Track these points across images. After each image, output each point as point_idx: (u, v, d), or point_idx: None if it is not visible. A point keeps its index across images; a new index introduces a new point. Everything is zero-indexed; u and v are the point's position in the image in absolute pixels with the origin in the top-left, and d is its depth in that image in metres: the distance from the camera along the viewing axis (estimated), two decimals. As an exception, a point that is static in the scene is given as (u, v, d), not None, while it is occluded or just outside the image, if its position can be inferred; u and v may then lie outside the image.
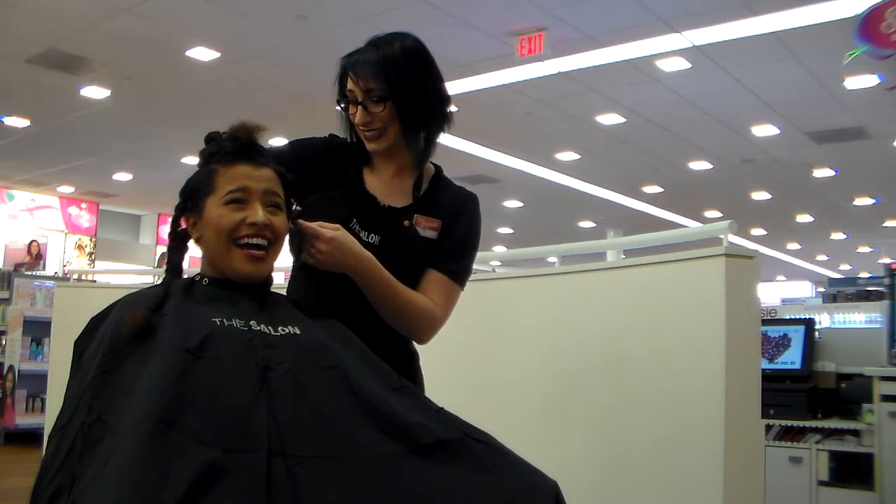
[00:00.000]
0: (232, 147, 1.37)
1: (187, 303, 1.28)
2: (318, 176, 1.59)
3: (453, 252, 1.58)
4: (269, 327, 1.27)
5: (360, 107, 1.52)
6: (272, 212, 1.36)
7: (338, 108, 1.59)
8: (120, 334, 1.20)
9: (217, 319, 1.23)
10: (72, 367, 1.26)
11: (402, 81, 1.50)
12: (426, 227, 1.56)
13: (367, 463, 1.14)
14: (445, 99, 1.59)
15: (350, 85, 1.53)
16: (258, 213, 1.33)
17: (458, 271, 1.58)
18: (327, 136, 1.66)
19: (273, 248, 1.36)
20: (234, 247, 1.33)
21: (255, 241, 1.33)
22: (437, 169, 1.65)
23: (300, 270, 1.60)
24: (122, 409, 1.11)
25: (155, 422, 1.06)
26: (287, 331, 1.28)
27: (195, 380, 1.13)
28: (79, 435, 1.11)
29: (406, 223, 1.55)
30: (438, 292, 1.54)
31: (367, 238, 1.54)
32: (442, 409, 1.29)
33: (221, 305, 1.28)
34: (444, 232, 1.57)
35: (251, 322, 1.26)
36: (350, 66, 1.53)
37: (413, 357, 1.62)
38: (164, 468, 1.02)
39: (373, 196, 1.59)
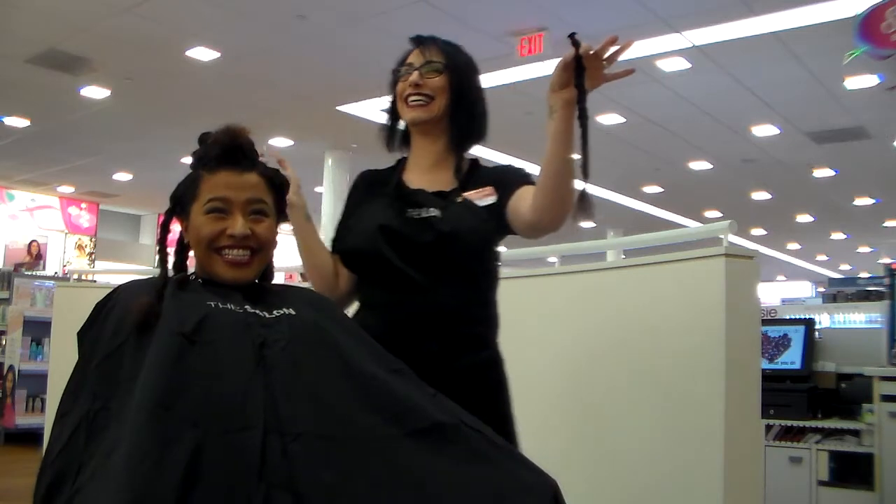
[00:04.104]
0: (215, 152, 1.35)
1: (182, 292, 1.29)
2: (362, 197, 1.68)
3: (516, 173, 1.62)
4: (264, 311, 1.27)
5: (416, 72, 1.60)
6: (256, 219, 1.34)
7: (391, 77, 1.67)
8: (123, 322, 1.21)
9: (212, 303, 1.24)
10: (78, 357, 1.26)
11: (461, 67, 1.63)
12: (483, 196, 1.58)
13: (362, 443, 1.14)
14: (487, 111, 1.67)
15: (411, 58, 1.63)
16: (237, 225, 1.31)
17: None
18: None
19: (258, 254, 1.35)
20: (216, 254, 1.33)
21: (234, 252, 1.32)
22: (475, 159, 1.69)
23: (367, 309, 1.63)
24: (123, 395, 1.12)
25: (153, 408, 1.07)
26: (282, 312, 1.28)
27: (192, 362, 1.14)
28: (83, 422, 1.13)
29: (459, 199, 1.57)
30: None
31: (428, 213, 1.55)
32: (437, 393, 1.28)
33: (216, 293, 1.29)
34: (498, 185, 1.58)
35: (246, 305, 1.27)
36: (420, 41, 1.65)
37: (497, 363, 1.72)
38: (160, 455, 1.03)
39: (419, 189, 1.62)
